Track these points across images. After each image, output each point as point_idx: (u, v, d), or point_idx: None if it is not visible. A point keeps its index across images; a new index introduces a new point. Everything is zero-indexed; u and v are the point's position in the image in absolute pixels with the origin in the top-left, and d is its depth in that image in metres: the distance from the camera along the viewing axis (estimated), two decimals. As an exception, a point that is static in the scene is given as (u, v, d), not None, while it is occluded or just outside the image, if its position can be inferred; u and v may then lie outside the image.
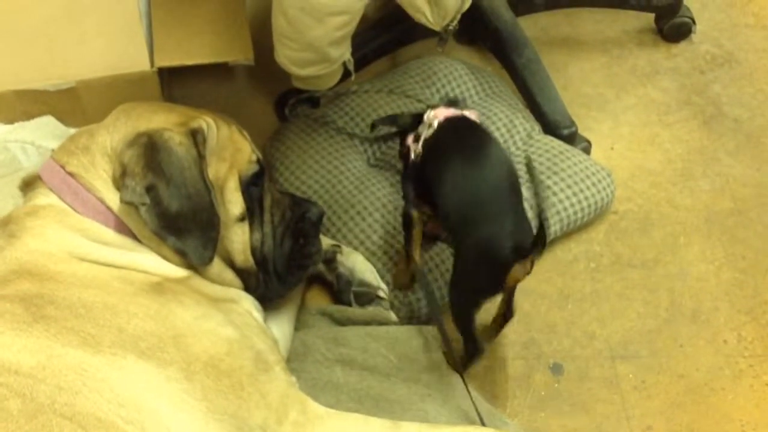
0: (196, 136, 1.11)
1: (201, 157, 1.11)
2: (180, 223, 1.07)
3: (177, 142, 1.09)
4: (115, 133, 1.12)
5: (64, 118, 1.51)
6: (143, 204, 1.05)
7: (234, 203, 1.17)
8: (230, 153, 1.18)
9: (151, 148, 1.07)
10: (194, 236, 1.09)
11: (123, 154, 1.08)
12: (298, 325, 1.41)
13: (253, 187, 1.20)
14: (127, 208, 1.07)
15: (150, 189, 1.05)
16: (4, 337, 0.93)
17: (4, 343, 0.92)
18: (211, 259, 1.11)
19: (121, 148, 1.09)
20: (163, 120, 1.13)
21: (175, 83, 1.76)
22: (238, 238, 1.18)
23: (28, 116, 1.49)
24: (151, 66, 1.52)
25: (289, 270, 1.28)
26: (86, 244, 1.06)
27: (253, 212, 1.21)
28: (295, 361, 1.32)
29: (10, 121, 1.48)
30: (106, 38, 1.53)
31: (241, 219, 1.18)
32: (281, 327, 1.34)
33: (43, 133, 1.47)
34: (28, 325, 0.94)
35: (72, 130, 1.50)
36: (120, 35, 1.54)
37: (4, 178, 1.37)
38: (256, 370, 1.03)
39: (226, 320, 1.06)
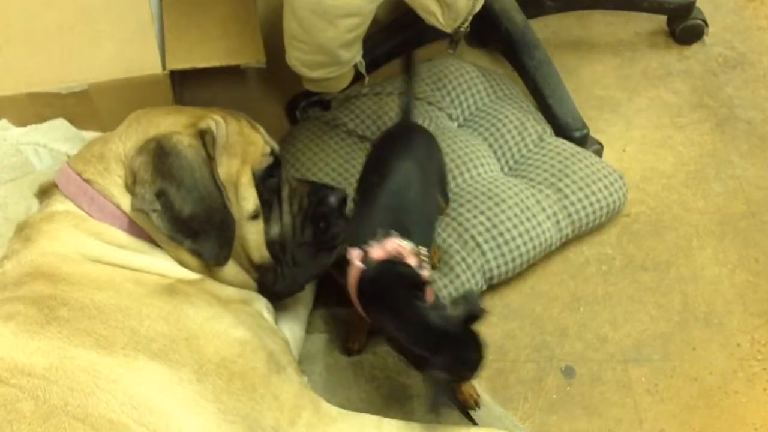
0: (204, 137, 1.12)
1: (210, 158, 1.11)
2: (194, 225, 1.08)
3: (186, 144, 1.09)
4: (127, 140, 1.12)
5: (76, 121, 1.52)
6: (154, 210, 1.05)
7: (247, 199, 1.17)
8: (241, 148, 1.18)
9: (159, 153, 1.07)
10: (210, 237, 1.09)
11: (133, 161, 1.08)
12: (309, 327, 1.41)
13: (269, 178, 1.20)
14: (142, 215, 1.07)
15: (160, 195, 1.06)
16: (18, 338, 0.93)
17: (18, 344, 0.93)
18: (227, 259, 1.12)
19: (132, 155, 1.09)
20: (172, 123, 1.13)
21: (186, 86, 1.76)
22: (253, 236, 1.18)
23: (41, 119, 1.50)
24: (163, 69, 1.52)
25: (316, 254, 1.27)
26: (100, 247, 1.06)
27: (271, 204, 1.21)
28: (305, 362, 1.32)
29: (23, 124, 1.48)
30: (118, 41, 1.54)
31: (255, 216, 1.18)
32: (293, 329, 1.34)
33: (55, 136, 1.48)
34: (41, 326, 0.94)
35: (84, 133, 1.51)
36: (132, 38, 1.55)
37: (16, 180, 1.38)
38: (268, 372, 1.03)
39: (238, 322, 1.06)
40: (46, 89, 1.49)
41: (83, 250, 1.06)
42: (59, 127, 1.50)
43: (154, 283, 1.05)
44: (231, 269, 1.16)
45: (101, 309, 0.98)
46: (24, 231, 1.09)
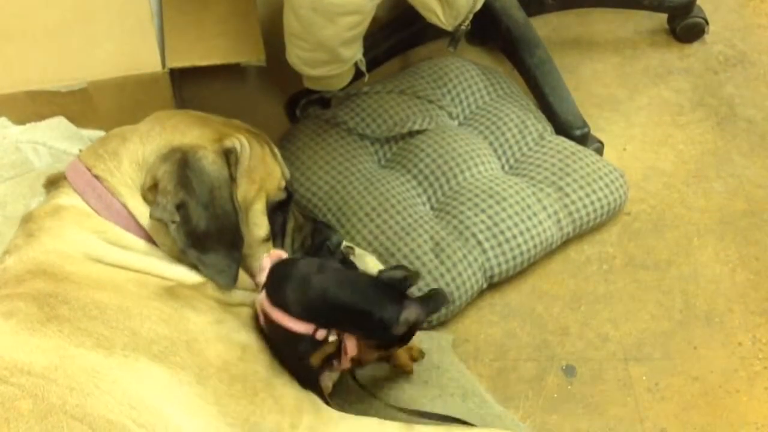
0: (228, 156, 1.10)
1: (232, 179, 1.10)
2: (206, 242, 1.06)
3: (210, 161, 1.08)
4: (148, 143, 1.11)
5: (75, 119, 1.51)
6: (173, 222, 1.04)
7: (260, 226, 1.16)
8: (260, 176, 1.17)
9: (184, 165, 1.06)
10: (219, 255, 1.08)
11: (156, 168, 1.07)
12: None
13: (278, 212, 1.20)
14: (154, 223, 1.06)
15: (180, 207, 1.04)
16: (18, 336, 0.93)
17: (18, 342, 0.92)
18: (235, 279, 1.10)
19: (154, 161, 1.08)
20: (198, 135, 1.11)
21: (186, 84, 1.76)
22: (261, 257, 1.16)
23: (40, 117, 1.49)
24: (163, 67, 1.52)
25: None
26: (103, 246, 1.05)
27: (275, 236, 1.20)
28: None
29: (22, 122, 1.48)
30: (117, 39, 1.53)
31: (266, 240, 1.17)
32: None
33: (54, 134, 1.47)
34: (42, 324, 0.94)
35: (84, 131, 1.50)
36: (131, 36, 1.54)
37: (15, 178, 1.38)
38: (269, 375, 1.03)
39: (240, 325, 1.06)
40: (46, 87, 1.48)
41: (85, 249, 1.05)
42: (58, 125, 1.50)
43: (155, 285, 1.04)
44: (241, 277, 1.14)
45: (102, 309, 0.97)
46: (28, 225, 1.08)
